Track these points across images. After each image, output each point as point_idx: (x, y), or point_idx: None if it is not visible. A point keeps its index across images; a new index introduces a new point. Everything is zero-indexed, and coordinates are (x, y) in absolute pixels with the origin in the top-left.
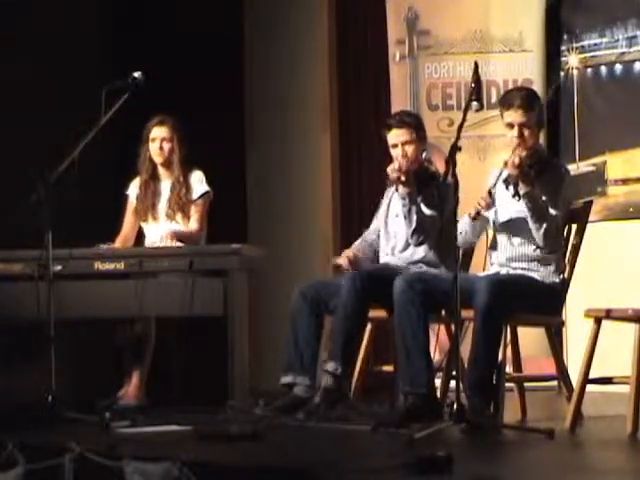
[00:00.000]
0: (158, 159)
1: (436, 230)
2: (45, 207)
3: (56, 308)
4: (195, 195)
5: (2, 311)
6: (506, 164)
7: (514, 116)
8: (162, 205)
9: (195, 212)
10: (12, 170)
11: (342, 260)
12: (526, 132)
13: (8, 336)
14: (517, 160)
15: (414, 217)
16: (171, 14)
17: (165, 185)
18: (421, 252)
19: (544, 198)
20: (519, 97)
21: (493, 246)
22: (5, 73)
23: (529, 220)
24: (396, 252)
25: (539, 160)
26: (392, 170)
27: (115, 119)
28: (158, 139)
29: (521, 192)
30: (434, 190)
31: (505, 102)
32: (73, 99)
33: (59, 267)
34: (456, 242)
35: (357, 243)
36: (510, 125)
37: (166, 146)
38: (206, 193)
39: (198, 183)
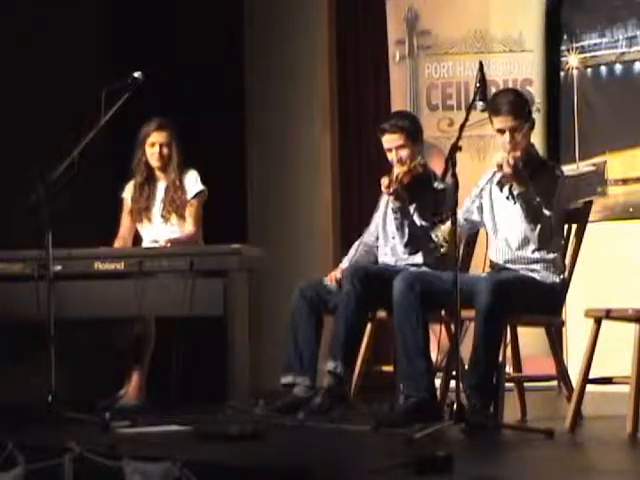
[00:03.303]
0: (156, 164)
1: (430, 238)
2: (45, 207)
3: (56, 308)
4: (190, 195)
5: (2, 311)
6: (500, 167)
7: (504, 122)
8: (156, 207)
9: (190, 214)
10: (12, 170)
11: (329, 281)
12: (518, 136)
13: (8, 336)
14: (512, 160)
15: (406, 230)
16: (171, 14)
17: (160, 187)
18: (419, 258)
19: (538, 199)
20: (508, 103)
21: (491, 248)
22: (5, 73)
23: (524, 221)
24: (395, 252)
25: (531, 161)
26: (384, 185)
27: (115, 119)
28: (157, 144)
29: (515, 192)
30: (430, 198)
31: (494, 108)
32: (73, 99)
33: (59, 267)
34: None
35: (354, 252)
36: (501, 131)
37: (166, 151)
38: (201, 192)
39: (193, 182)
